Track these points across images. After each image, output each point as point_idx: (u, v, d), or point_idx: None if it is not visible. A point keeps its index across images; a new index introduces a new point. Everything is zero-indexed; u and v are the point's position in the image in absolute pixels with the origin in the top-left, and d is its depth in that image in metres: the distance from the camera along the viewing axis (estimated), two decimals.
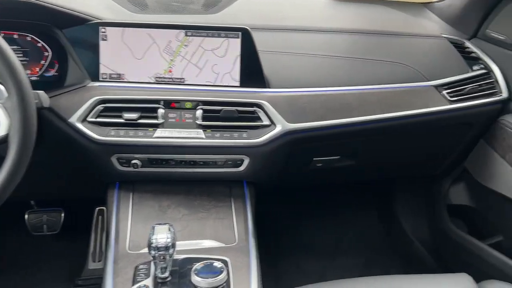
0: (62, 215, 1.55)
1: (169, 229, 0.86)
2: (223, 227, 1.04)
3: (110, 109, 1.03)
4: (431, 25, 1.36)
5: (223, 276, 0.85)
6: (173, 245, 0.85)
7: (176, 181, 1.11)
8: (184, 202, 1.09)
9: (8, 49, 0.80)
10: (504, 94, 1.21)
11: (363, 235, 1.76)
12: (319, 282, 1.01)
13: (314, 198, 1.78)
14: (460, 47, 1.27)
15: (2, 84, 0.86)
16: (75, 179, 1.20)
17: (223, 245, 1.00)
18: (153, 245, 0.83)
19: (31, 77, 1.06)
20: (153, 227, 0.86)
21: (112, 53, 1.06)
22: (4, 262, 1.57)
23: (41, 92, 0.93)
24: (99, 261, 1.57)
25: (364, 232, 1.77)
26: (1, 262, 1.57)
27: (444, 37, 1.29)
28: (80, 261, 1.57)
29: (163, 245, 0.83)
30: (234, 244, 1.00)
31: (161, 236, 0.84)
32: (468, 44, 1.29)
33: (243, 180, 1.14)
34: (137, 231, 1.02)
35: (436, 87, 1.17)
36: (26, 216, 1.51)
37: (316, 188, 1.75)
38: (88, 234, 1.59)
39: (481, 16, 1.26)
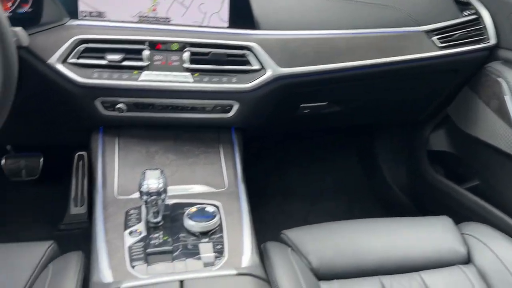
0: (41, 160, 1.51)
1: (161, 174, 0.84)
2: (213, 172, 1.04)
3: (92, 49, 0.97)
4: None
5: (216, 220, 0.85)
6: (165, 190, 0.84)
7: (164, 127, 1.08)
8: (173, 148, 1.07)
9: None
10: (492, 40, 1.21)
11: (345, 180, 1.80)
12: (305, 225, 1.03)
13: (297, 145, 1.79)
14: None
15: None
16: (57, 125, 1.16)
17: (213, 190, 1.00)
18: (145, 190, 0.82)
19: None
20: (144, 172, 0.84)
21: None
22: None
23: (18, 28, 0.86)
24: (81, 206, 1.56)
25: (345, 177, 1.81)
26: None
27: None
28: (61, 206, 1.55)
29: (155, 190, 0.82)
30: (224, 189, 1.01)
31: (153, 181, 0.83)
32: None
33: (231, 127, 1.13)
34: (125, 176, 1.00)
35: (427, 32, 1.15)
36: (2, 161, 1.46)
37: (299, 135, 1.75)
38: (68, 179, 1.57)
39: None
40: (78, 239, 1.45)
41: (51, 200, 1.59)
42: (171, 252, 0.80)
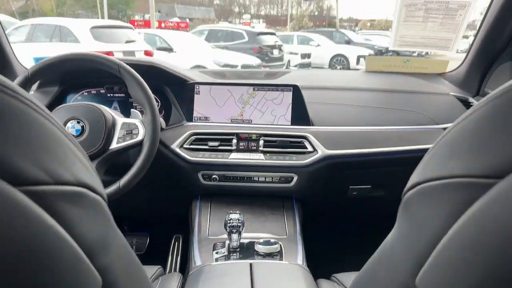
0: (148, 239, 1.94)
1: (240, 214, 1.22)
2: (277, 227, 1.39)
3: (200, 139, 1.46)
4: (443, 87, 1.73)
5: (277, 246, 1.18)
6: (243, 224, 1.20)
7: (243, 195, 1.49)
8: (249, 210, 1.45)
9: (148, 89, 1.27)
10: None
11: None
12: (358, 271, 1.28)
13: (353, 227, 2.00)
14: (465, 102, 1.62)
15: (137, 109, 1.33)
16: (169, 194, 1.61)
17: (277, 236, 1.33)
18: (229, 224, 1.20)
19: None
20: (229, 214, 1.23)
21: (202, 102, 1.53)
22: None
23: (161, 118, 1.38)
24: None
25: None
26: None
27: (452, 95, 1.65)
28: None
29: (236, 223, 1.19)
30: (285, 237, 1.34)
31: (235, 217, 1.20)
32: (471, 99, 1.63)
33: (292, 196, 1.50)
34: (214, 226, 1.38)
35: (444, 129, 1.51)
36: None
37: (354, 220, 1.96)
38: (165, 256, 1.95)
39: (479, 78, 1.62)
40: None
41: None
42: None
